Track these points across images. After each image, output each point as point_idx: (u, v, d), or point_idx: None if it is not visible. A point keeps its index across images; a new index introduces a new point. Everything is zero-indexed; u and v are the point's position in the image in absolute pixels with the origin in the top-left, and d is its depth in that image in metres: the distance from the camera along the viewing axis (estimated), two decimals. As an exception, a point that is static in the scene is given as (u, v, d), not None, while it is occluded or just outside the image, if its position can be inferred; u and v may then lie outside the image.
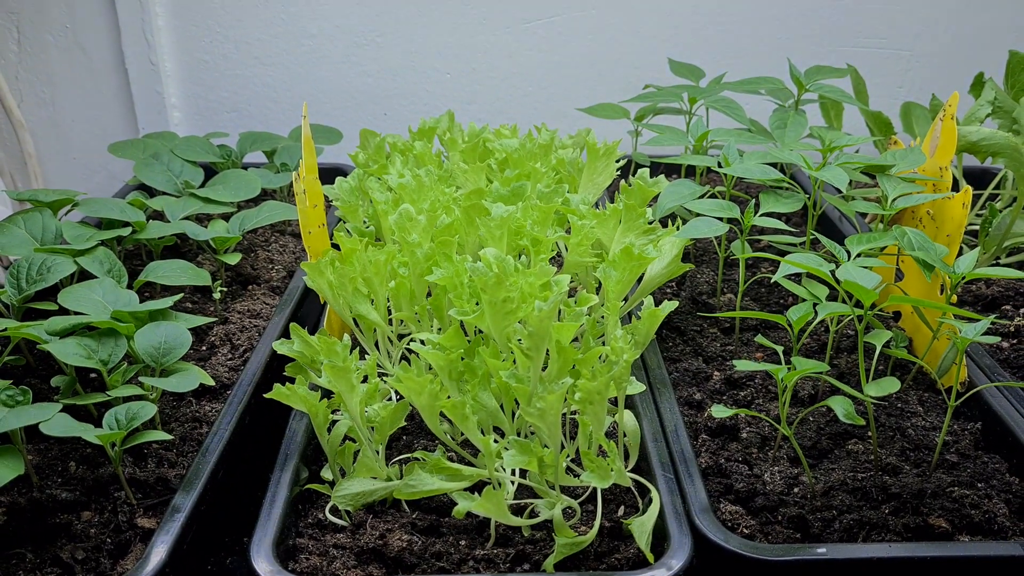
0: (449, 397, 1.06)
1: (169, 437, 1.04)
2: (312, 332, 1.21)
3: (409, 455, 1.15)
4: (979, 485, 1.08)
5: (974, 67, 1.81)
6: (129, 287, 1.33)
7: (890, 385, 0.99)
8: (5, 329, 1.13)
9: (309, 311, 1.54)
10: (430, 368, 1.14)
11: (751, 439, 1.19)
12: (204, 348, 1.37)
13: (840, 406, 0.96)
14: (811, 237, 1.39)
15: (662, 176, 1.44)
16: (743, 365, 1.03)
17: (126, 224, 1.45)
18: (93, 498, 1.07)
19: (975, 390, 1.15)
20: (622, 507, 1.08)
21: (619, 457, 1.01)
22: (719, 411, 1.05)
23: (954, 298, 1.22)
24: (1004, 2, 2.06)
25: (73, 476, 1.10)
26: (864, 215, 1.65)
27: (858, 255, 1.18)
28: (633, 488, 1.09)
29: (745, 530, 1.03)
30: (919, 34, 2.08)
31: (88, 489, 1.08)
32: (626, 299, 1.37)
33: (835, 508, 1.06)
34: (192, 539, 1.01)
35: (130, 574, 0.92)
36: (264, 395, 1.08)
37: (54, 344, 1.09)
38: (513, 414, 1.10)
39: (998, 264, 1.60)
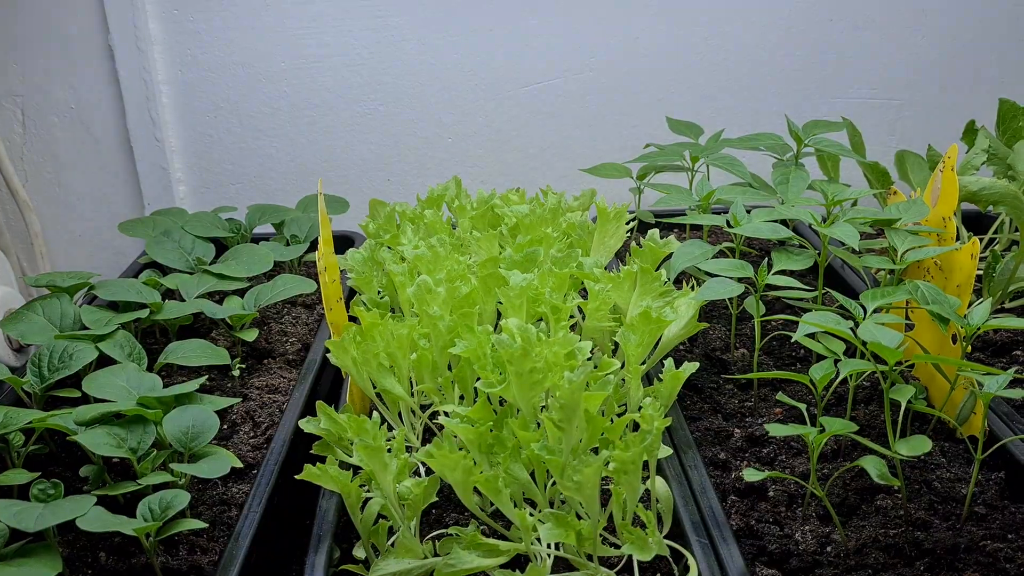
0: (480, 471, 1.06)
1: (204, 526, 1.03)
2: (331, 403, 1.22)
3: (442, 531, 1.15)
4: (1010, 537, 1.09)
5: (963, 114, 1.86)
6: (149, 369, 1.33)
7: (921, 445, 1.01)
8: (31, 421, 1.13)
9: (327, 382, 1.54)
10: (455, 437, 1.14)
11: (778, 497, 1.19)
12: (225, 427, 1.36)
13: (873, 467, 0.97)
14: (822, 292, 1.41)
15: (672, 237, 1.46)
16: (776, 430, 1.04)
17: (143, 305, 1.46)
18: (126, 590, 1.06)
19: (1001, 443, 1.16)
20: (658, 574, 1.08)
21: (656, 527, 1.02)
22: (751, 475, 1.06)
23: (968, 348, 1.24)
24: (990, 49, 2.12)
25: (104, 567, 1.09)
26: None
27: (874, 311, 1.21)
28: (667, 555, 1.09)
29: (783, 594, 1.03)
30: (908, 83, 2.14)
31: (121, 580, 1.07)
32: (644, 361, 1.38)
33: (870, 567, 1.06)
34: (229, 628, 1.00)
35: (172, 669, 0.91)
36: (295, 476, 1.08)
37: (83, 435, 1.08)
38: (545, 485, 1.10)
39: (1003, 309, 1.62)
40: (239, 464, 1.16)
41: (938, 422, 1.32)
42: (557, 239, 1.49)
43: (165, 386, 1.25)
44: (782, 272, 1.33)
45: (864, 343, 1.07)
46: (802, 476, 1.21)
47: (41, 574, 0.88)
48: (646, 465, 1.12)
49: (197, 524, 1.03)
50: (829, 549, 1.09)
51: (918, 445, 1.00)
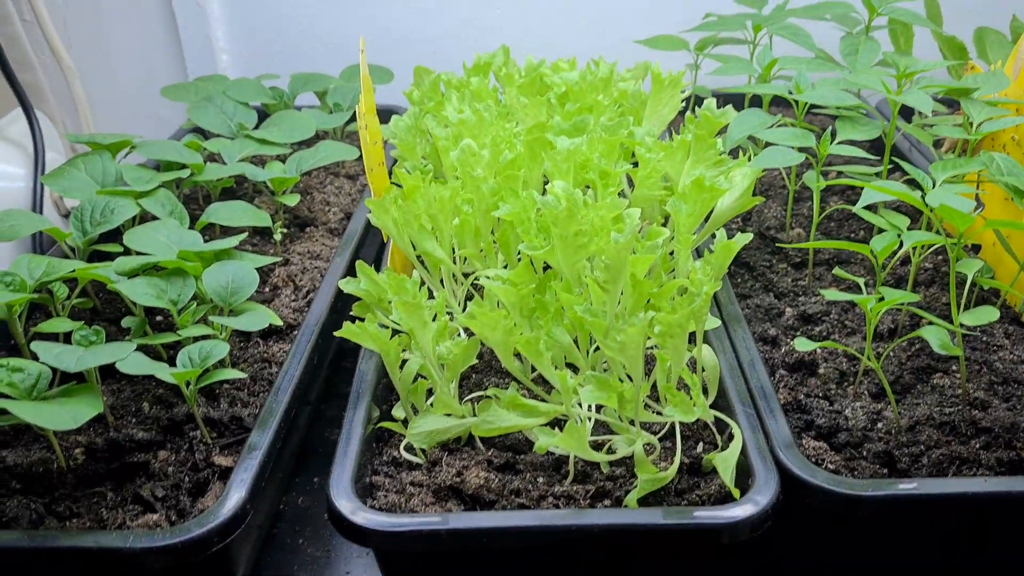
0: (521, 334, 1.04)
1: (243, 375, 1.03)
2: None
3: (480, 393, 1.13)
4: (1074, 419, 1.04)
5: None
6: (190, 229, 1.31)
7: (988, 314, 0.95)
8: (73, 270, 1.12)
9: (370, 252, 1.52)
10: (500, 305, 1.11)
11: (829, 375, 1.15)
12: (267, 290, 1.36)
13: (935, 336, 0.92)
14: (888, 167, 1.34)
15: (730, 106, 1.38)
16: (832, 295, 0.99)
17: (184, 166, 1.44)
18: (168, 437, 1.07)
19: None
20: (700, 443, 1.06)
21: (700, 390, 0.99)
22: (803, 344, 1.02)
23: (1043, 227, 1.16)
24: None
25: (148, 416, 1.10)
26: (938, 145, 1.58)
27: (944, 182, 1.13)
28: (711, 424, 1.07)
29: (830, 466, 1.00)
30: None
31: (163, 429, 1.08)
32: (695, 233, 1.33)
33: (923, 443, 1.02)
34: (269, 477, 1.00)
35: (212, 510, 0.92)
36: (334, 333, 1.07)
37: (124, 284, 1.08)
38: (587, 352, 1.08)
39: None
40: (278, 321, 1.15)
41: (1003, 307, 1.26)
42: (608, 107, 1.42)
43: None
44: (847, 142, 1.25)
45: (932, 212, 1.01)
46: (858, 353, 1.16)
47: (82, 411, 0.88)
48: (693, 338, 1.08)
49: (236, 373, 1.03)
50: (880, 425, 1.06)
51: (984, 314, 0.95)
